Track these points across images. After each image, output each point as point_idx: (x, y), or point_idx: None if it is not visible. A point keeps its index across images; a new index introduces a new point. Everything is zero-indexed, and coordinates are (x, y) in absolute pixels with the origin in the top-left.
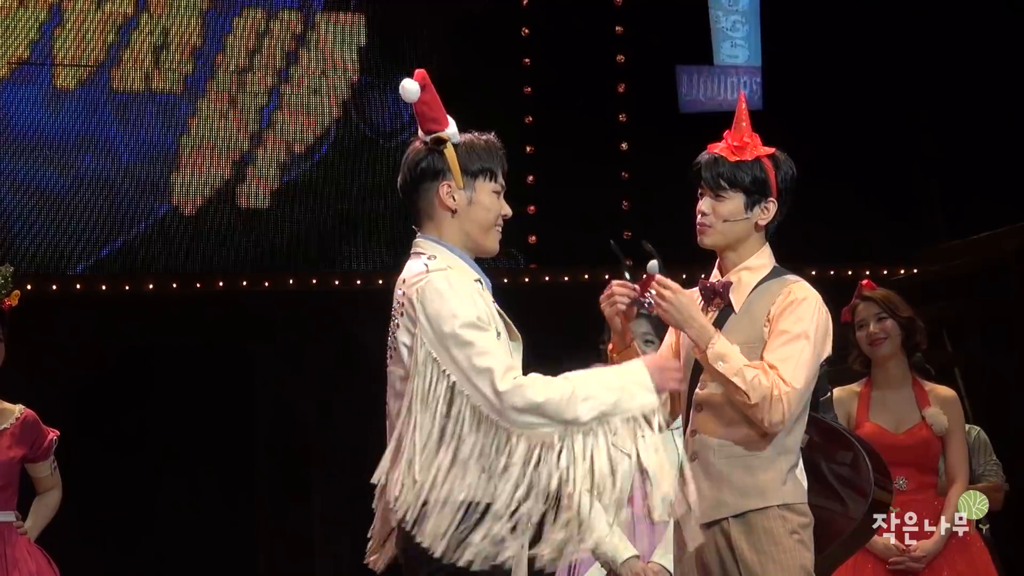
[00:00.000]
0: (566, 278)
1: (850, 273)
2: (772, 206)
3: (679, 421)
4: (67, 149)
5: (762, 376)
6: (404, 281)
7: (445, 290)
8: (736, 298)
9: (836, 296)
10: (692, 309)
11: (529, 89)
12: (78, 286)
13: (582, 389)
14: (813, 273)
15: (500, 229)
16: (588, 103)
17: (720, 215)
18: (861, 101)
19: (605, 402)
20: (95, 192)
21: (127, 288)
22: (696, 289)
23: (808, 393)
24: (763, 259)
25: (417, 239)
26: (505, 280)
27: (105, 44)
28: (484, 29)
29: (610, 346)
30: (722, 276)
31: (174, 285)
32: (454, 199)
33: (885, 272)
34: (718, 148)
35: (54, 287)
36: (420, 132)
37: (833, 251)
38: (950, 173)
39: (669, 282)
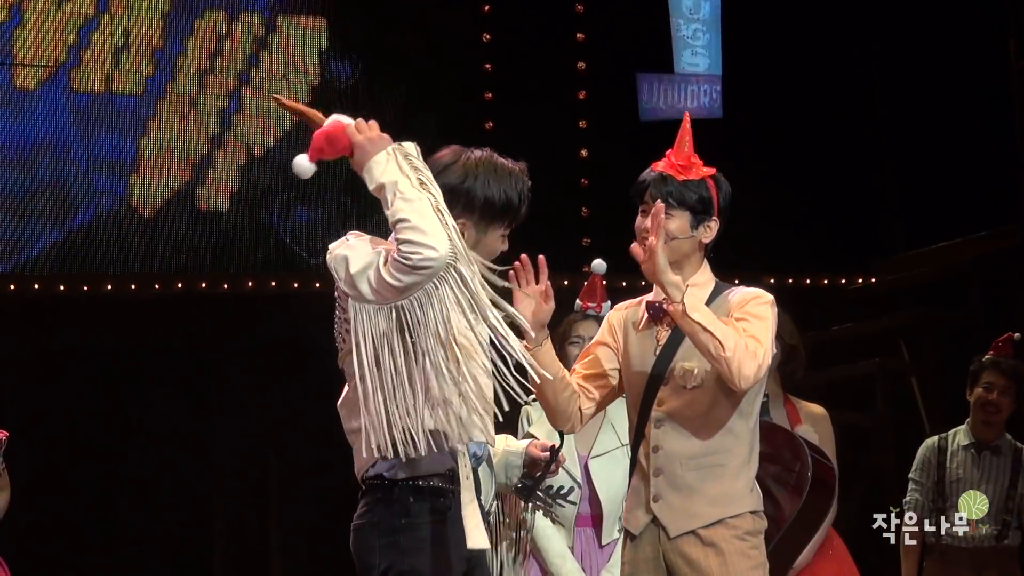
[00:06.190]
0: None
1: (808, 282)
2: (715, 224)
3: (624, 438)
4: (25, 149)
5: (734, 331)
6: None
7: (345, 243)
8: None
9: (795, 305)
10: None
11: (490, 95)
12: (36, 287)
13: (415, 230)
14: (772, 282)
15: None
16: (548, 110)
17: (668, 233)
18: (821, 110)
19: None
20: (53, 193)
21: (85, 289)
22: (642, 307)
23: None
24: (706, 275)
25: None
26: None
27: (65, 44)
28: (445, 35)
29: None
30: None
31: (132, 287)
32: None
33: (843, 281)
34: (662, 166)
35: (12, 287)
36: None
37: (792, 260)
38: (908, 183)
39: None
